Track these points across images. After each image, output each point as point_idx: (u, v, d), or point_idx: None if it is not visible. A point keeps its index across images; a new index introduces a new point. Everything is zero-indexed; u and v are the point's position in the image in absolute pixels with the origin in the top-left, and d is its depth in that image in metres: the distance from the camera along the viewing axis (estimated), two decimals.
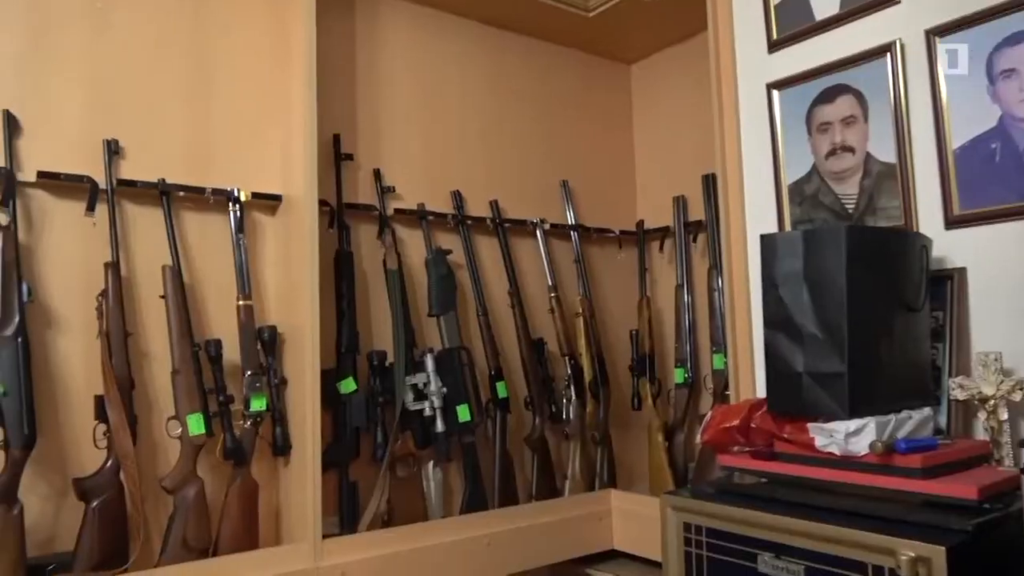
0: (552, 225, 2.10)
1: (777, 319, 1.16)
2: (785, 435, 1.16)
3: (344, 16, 1.81)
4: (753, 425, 1.24)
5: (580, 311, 2.07)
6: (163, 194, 1.50)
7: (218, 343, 1.50)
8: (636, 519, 1.85)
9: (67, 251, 1.43)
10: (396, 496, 1.67)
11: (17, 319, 1.29)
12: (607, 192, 2.28)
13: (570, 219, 2.14)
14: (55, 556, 1.32)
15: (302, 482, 1.49)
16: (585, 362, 2.03)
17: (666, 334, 2.18)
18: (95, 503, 1.32)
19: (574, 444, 1.98)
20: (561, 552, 1.80)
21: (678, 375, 2.05)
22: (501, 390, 1.88)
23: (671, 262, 2.18)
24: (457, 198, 1.94)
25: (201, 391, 1.45)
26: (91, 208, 1.41)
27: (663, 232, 2.18)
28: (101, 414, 1.36)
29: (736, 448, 1.29)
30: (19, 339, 1.29)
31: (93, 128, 1.47)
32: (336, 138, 1.74)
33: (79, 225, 1.43)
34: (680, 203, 2.12)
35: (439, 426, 1.71)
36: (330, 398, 1.61)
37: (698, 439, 1.34)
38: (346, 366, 1.65)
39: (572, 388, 2.00)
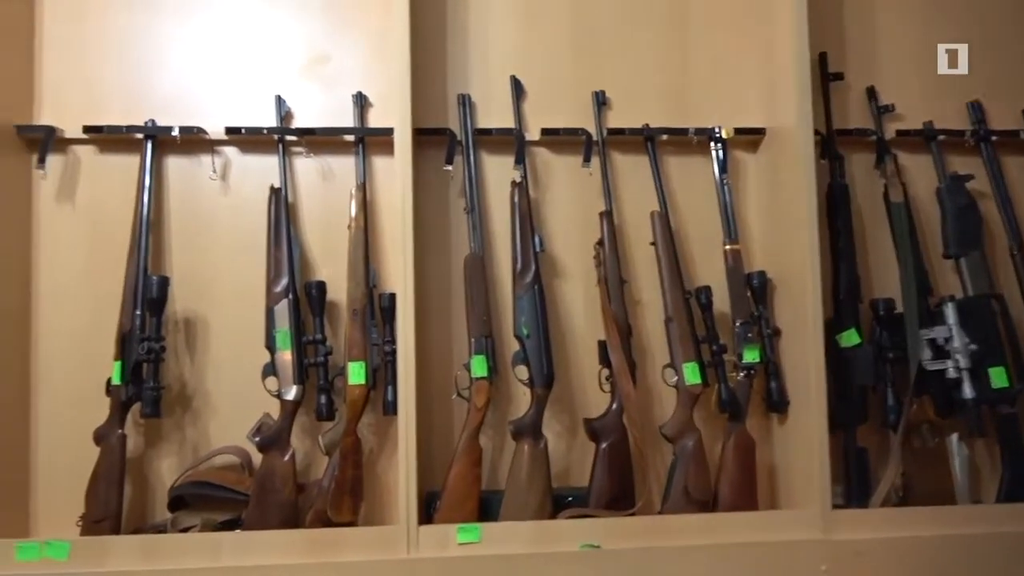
0: None
1: None
2: None
3: None
4: None
5: None
6: (648, 140, 1.48)
7: (708, 290, 1.43)
8: None
9: (566, 203, 1.50)
10: (912, 470, 1.42)
11: (533, 268, 1.39)
12: None
13: None
14: (571, 489, 1.40)
15: (805, 443, 1.34)
16: None
17: None
18: (603, 444, 1.37)
19: None
20: None
21: None
22: None
23: None
24: (976, 110, 1.55)
25: (694, 340, 1.40)
26: (587, 160, 1.45)
27: None
28: (604, 359, 1.39)
29: None
30: (536, 286, 1.39)
31: (581, 82, 1.51)
32: (822, 57, 1.52)
33: (575, 177, 1.49)
34: None
35: (966, 391, 1.39)
36: (828, 351, 1.42)
37: None
38: (846, 315, 1.43)
39: None
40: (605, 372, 1.40)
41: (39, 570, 1.18)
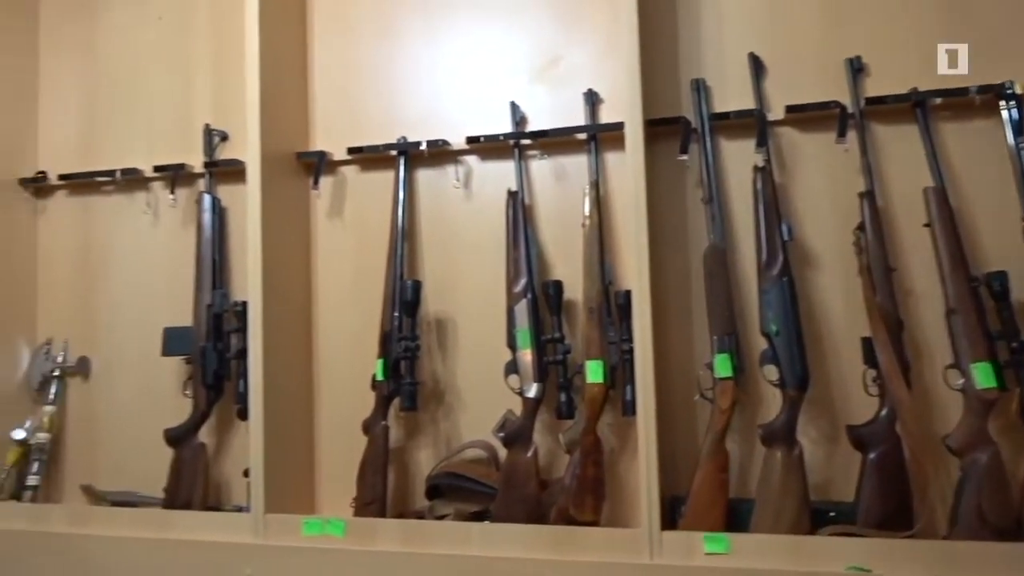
0: None
1: None
2: None
3: None
4: None
5: None
6: (916, 106, 1.28)
7: (1003, 276, 1.20)
8: None
9: (816, 184, 1.36)
10: None
11: (781, 258, 1.28)
12: None
13: None
14: (834, 504, 1.26)
15: None
16: None
17: None
18: (872, 455, 1.21)
19: None
20: None
21: None
22: None
23: None
24: None
25: (986, 335, 1.18)
26: (841, 135, 1.30)
27: None
28: (869, 357, 1.24)
29: None
30: (784, 278, 1.27)
31: (831, 50, 1.35)
32: None
33: (827, 156, 1.34)
34: None
35: None
36: None
37: None
38: None
39: None
40: (871, 373, 1.24)
41: (320, 544, 1.34)
